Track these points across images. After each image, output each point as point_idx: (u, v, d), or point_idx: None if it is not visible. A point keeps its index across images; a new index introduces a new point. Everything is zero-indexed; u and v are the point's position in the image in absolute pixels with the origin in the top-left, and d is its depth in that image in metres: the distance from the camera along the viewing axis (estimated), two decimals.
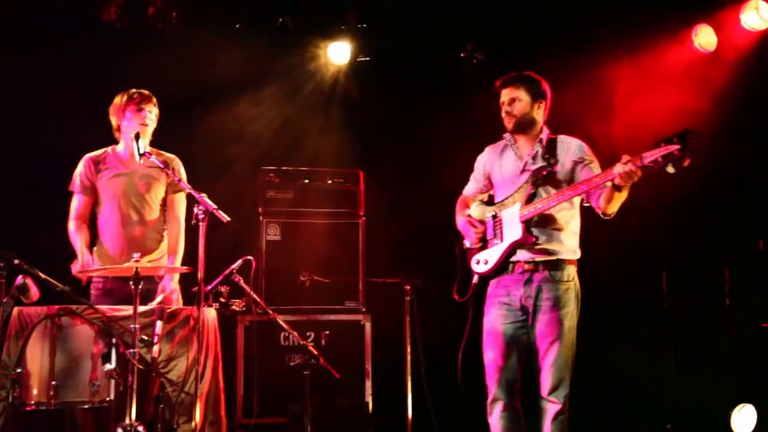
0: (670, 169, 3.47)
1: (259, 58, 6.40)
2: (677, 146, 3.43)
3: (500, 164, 4.33)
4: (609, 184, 3.82)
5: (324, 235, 6.19)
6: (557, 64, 5.74)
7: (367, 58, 6.83)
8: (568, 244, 4.13)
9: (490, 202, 4.40)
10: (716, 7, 6.37)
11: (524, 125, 4.20)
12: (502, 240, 4.12)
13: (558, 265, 4.10)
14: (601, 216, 3.99)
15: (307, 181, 6.29)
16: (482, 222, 4.23)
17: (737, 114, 6.24)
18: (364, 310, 6.18)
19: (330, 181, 6.33)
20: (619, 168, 3.63)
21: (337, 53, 6.71)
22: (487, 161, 4.41)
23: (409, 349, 5.36)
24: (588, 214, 4.25)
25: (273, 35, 6.48)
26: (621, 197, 3.84)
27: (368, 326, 6.09)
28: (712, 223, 6.33)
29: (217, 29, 6.23)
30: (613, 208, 3.92)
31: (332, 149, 6.71)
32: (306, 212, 6.25)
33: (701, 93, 6.21)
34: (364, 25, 6.61)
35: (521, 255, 4.11)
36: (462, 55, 6.79)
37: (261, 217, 6.20)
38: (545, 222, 4.09)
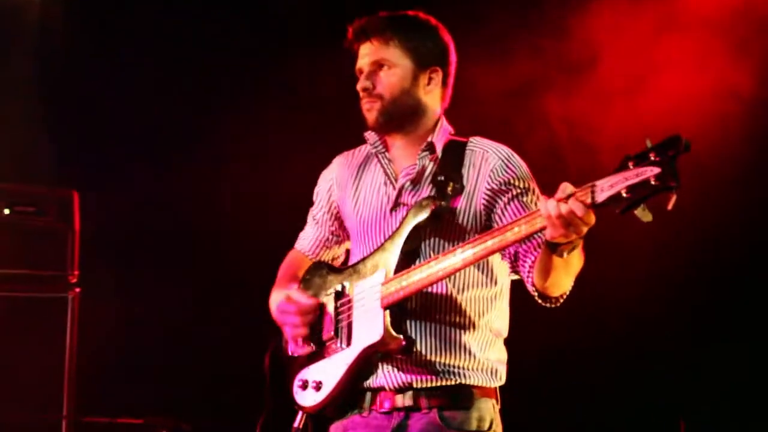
0: (643, 215, 3.02)
1: None
2: (656, 169, 2.99)
3: (357, 191, 4.03)
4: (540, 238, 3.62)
5: None
6: None
7: None
8: (483, 356, 3.74)
9: (346, 263, 4.21)
10: None
11: (400, 116, 3.84)
12: (348, 344, 3.78)
13: (460, 397, 3.67)
14: (538, 300, 3.61)
15: None
16: (313, 306, 3.89)
17: None
18: None
19: (7, 210, 5.69)
20: (551, 208, 3.20)
21: None
22: (335, 185, 4.10)
23: None
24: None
25: None
26: (566, 266, 3.42)
27: None
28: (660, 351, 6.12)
29: None
30: (558, 285, 3.51)
31: (14, 146, 6.18)
32: None
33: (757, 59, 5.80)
34: None
35: (386, 375, 3.70)
36: None
37: None
38: (434, 309, 3.75)
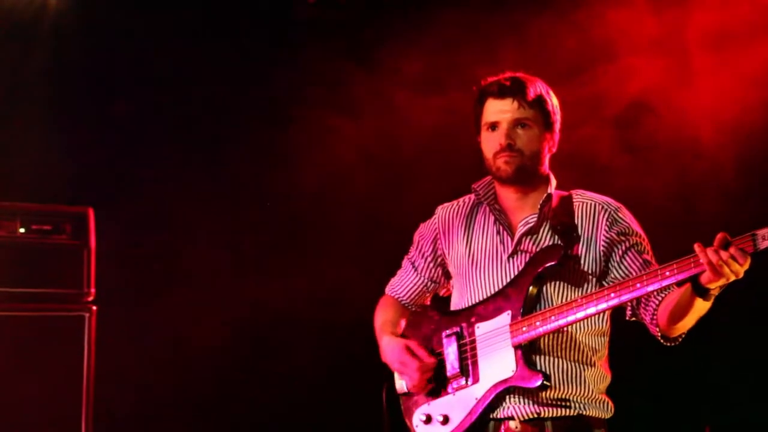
0: None
1: None
2: None
3: (469, 238, 4.16)
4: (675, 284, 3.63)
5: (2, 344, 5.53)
6: None
7: None
8: (597, 390, 3.91)
9: (439, 302, 4.25)
10: None
11: (531, 171, 4.04)
12: (475, 379, 3.92)
13: (580, 427, 3.85)
14: (661, 341, 3.78)
15: None
16: (434, 364, 4.01)
17: None
18: None
19: (23, 230, 5.67)
20: (711, 255, 3.37)
21: None
22: (441, 234, 4.24)
23: None
24: None
25: None
26: (704, 309, 3.58)
27: None
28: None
29: None
30: (686, 326, 3.70)
31: (28, 163, 6.11)
32: None
33: None
34: None
35: (515, 407, 3.86)
36: None
37: None
38: (559, 347, 3.92)
